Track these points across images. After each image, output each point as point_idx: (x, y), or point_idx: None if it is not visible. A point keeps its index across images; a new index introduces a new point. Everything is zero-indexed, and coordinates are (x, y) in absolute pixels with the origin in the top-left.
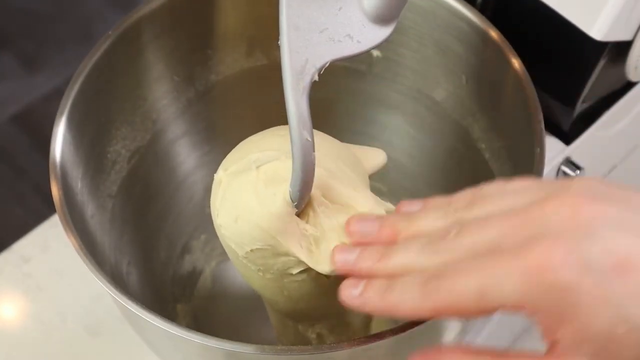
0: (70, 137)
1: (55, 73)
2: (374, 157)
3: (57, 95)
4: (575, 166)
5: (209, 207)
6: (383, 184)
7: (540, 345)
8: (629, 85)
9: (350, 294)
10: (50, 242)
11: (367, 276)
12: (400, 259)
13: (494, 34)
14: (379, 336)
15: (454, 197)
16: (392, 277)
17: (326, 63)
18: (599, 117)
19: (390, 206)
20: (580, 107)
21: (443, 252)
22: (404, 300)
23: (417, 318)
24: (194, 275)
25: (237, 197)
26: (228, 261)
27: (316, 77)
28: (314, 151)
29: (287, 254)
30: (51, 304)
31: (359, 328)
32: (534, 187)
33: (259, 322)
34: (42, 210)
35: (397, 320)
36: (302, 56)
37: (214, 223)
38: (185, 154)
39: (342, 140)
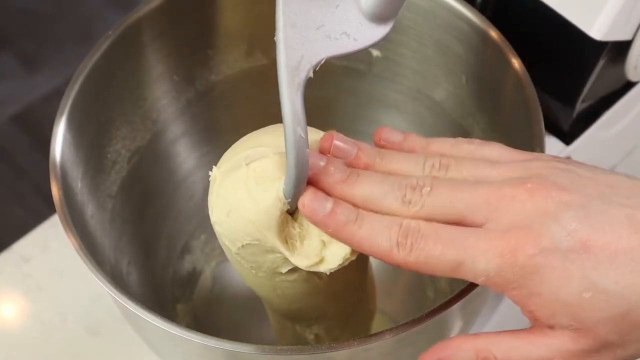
0: (70, 137)
1: (55, 73)
2: None
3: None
4: None
5: None
6: None
7: None
8: (629, 85)
9: (315, 207)
10: (50, 242)
11: (327, 192)
12: (366, 188)
13: (494, 34)
14: (379, 336)
15: (432, 145)
16: (356, 206)
17: (322, 60)
18: (598, 117)
19: None
20: (580, 107)
21: (414, 204)
22: (377, 242)
23: (384, 261)
24: (194, 275)
25: (230, 193)
26: (228, 261)
27: (311, 74)
28: (307, 148)
29: (273, 251)
30: (51, 304)
31: (357, 329)
32: (507, 158)
33: (259, 322)
34: (42, 210)
35: (397, 321)
36: (297, 53)
37: (211, 221)
38: (185, 154)
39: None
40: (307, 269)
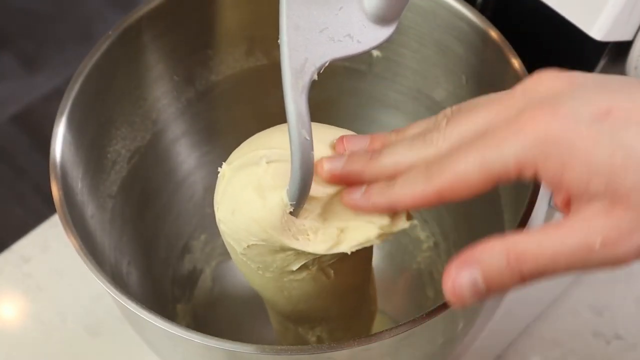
0: (70, 137)
1: (55, 73)
2: None
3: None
4: None
5: (209, 207)
6: None
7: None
8: None
9: (353, 196)
10: (50, 242)
11: (360, 182)
12: (392, 156)
13: (494, 34)
14: (379, 336)
15: (438, 115)
16: (389, 179)
17: (326, 62)
18: None
19: None
20: None
21: (436, 141)
22: (408, 190)
23: (422, 205)
24: (194, 275)
25: (238, 190)
26: (228, 261)
27: (315, 77)
28: (312, 150)
29: (283, 250)
30: (51, 304)
31: (359, 331)
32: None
33: (259, 322)
34: (42, 210)
35: (397, 321)
36: (301, 55)
37: (216, 218)
38: (185, 154)
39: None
40: (327, 252)
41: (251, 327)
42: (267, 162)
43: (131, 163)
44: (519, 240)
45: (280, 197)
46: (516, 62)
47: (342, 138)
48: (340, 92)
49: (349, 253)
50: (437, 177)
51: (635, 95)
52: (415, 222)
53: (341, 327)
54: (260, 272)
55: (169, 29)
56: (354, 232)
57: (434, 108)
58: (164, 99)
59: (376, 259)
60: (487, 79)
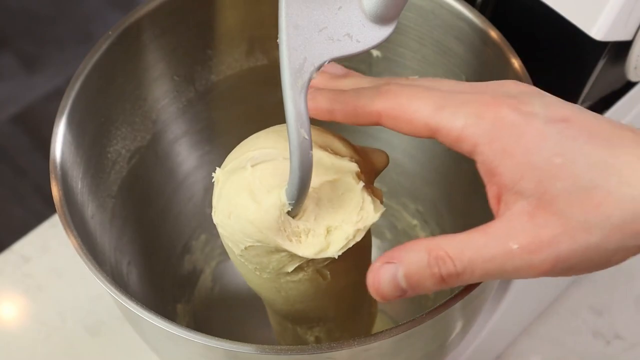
0: (70, 137)
1: (55, 73)
2: (377, 158)
3: (57, 95)
4: None
5: (209, 207)
6: (383, 184)
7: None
8: (629, 85)
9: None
10: (50, 242)
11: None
12: (352, 81)
13: (494, 34)
14: (379, 336)
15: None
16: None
17: (325, 62)
18: None
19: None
20: None
21: (401, 83)
22: (355, 99)
23: (360, 118)
24: (194, 275)
25: (232, 194)
26: (228, 261)
27: (314, 76)
28: (311, 150)
29: (278, 250)
30: (51, 304)
31: (358, 332)
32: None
33: (259, 322)
34: (42, 210)
35: (397, 321)
36: (300, 54)
37: (214, 221)
38: (185, 154)
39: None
40: (315, 257)
41: (251, 327)
42: (252, 165)
43: (131, 163)
44: (442, 242)
45: (276, 197)
46: (516, 62)
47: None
48: None
49: (336, 257)
50: (388, 99)
51: (593, 115)
52: (415, 222)
53: (340, 328)
54: (257, 272)
55: (169, 29)
56: (339, 231)
57: None
58: (164, 99)
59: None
60: (487, 79)
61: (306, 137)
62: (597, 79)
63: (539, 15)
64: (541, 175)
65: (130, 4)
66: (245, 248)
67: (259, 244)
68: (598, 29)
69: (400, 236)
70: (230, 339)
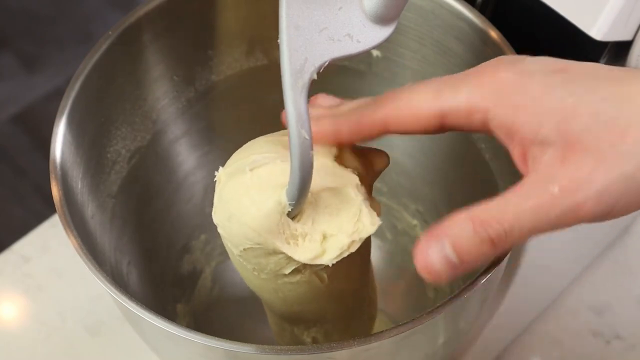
0: (70, 137)
1: (55, 73)
2: (377, 158)
3: (57, 95)
4: None
5: (209, 207)
6: (383, 184)
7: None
8: None
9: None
10: (50, 242)
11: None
12: (349, 106)
13: (494, 34)
14: (379, 336)
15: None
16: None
17: (325, 62)
18: None
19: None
20: None
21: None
22: (355, 114)
23: (366, 132)
24: (194, 275)
25: (231, 197)
26: (228, 261)
27: (315, 76)
28: (312, 150)
29: (276, 252)
30: (51, 304)
31: (357, 334)
32: None
33: (259, 322)
34: (42, 210)
35: (397, 321)
36: (301, 55)
37: (214, 222)
38: (185, 154)
39: None
40: (310, 262)
41: (251, 327)
42: (251, 169)
43: (131, 163)
44: (482, 208)
45: (276, 199)
46: None
47: (316, 95)
48: (339, 92)
49: (330, 265)
50: (387, 104)
51: (590, 63)
52: (415, 222)
53: (337, 329)
54: (256, 273)
55: (169, 29)
56: (335, 239)
57: None
58: (164, 99)
59: (376, 259)
60: None
61: (306, 137)
62: None
63: (539, 15)
64: (558, 118)
65: (130, 4)
66: (245, 249)
67: (257, 246)
68: (598, 29)
69: (400, 236)
70: (230, 339)
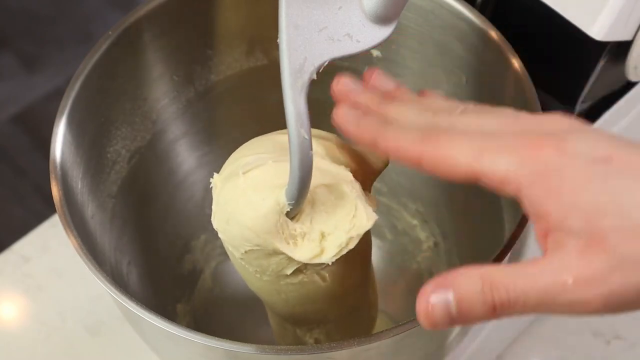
0: (70, 137)
1: (55, 73)
2: (377, 158)
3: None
4: None
5: (209, 207)
6: (383, 184)
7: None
8: (629, 85)
9: (346, 112)
10: (50, 242)
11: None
12: (398, 110)
13: (494, 34)
14: (379, 336)
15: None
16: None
17: (325, 62)
18: (599, 117)
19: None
20: (580, 107)
21: (442, 122)
22: (398, 138)
23: (399, 157)
24: (194, 275)
25: (228, 200)
26: (228, 261)
27: (314, 76)
28: (311, 149)
29: (276, 253)
30: (51, 304)
31: (358, 335)
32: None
33: (259, 322)
34: (42, 210)
35: (397, 321)
36: (301, 54)
37: (214, 227)
38: (185, 154)
39: (342, 140)
40: (310, 262)
41: (251, 327)
42: (244, 173)
43: (131, 163)
44: (495, 270)
45: (274, 199)
46: (516, 62)
47: (373, 70)
48: None
49: (330, 264)
50: (429, 144)
51: (637, 151)
52: (415, 222)
53: (339, 330)
54: (258, 275)
55: (169, 29)
56: (333, 237)
57: None
58: (164, 99)
59: (376, 259)
60: (487, 79)
61: (306, 137)
62: (597, 79)
63: (539, 15)
64: (589, 213)
65: (130, 4)
66: (245, 252)
67: (258, 247)
68: (598, 29)
69: (400, 236)
70: (230, 339)
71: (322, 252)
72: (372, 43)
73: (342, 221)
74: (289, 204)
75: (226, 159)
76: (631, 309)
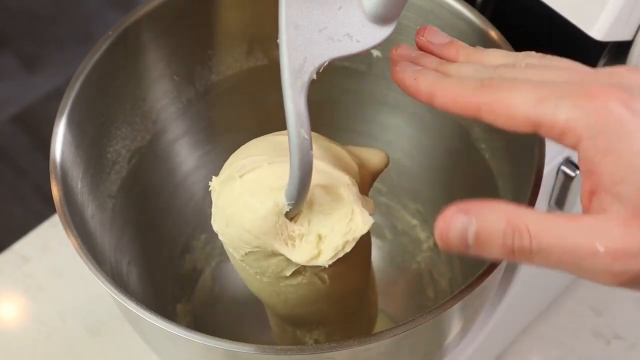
0: (70, 137)
1: (55, 73)
2: (377, 158)
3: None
4: (575, 166)
5: (209, 206)
6: (383, 184)
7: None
8: None
9: (404, 69)
10: (50, 242)
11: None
12: (458, 71)
13: (494, 34)
14: (379, 336)
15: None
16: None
17: (325, 62)
18: None
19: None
20: None
21: (507, 75)
22: (456, 89)
23: (458, 109)
24: (194, 275)
25: (226, 204)
26: (228, 261)
27: (314, 76)
28: (311, 150)
29: (275, 254)
30: (51, 304)
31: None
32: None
33: (259, 322)
34: (42, 210)
35: (397, 321)
36: (300, 55)
37: (214, 229)
38: (185, 154)
39: (342, 140)
40: (306, 264)
41: (251, 327)
42: (240, 176)
43: (131, 163)
44: (526, 213)
45: (272, 201)
46: None
47: (426, 27)
48: (340, 92)
49: (327, 266)
50: (489, 92)
51: None
52: (415, 222)
53: (339, 331)
54: (257, 277)
55: (169, 29)
56: (330, 239)
57: (433, 108)
58: (164, 99)
59: (376, 259)
60: None
61: (306, 137)
62: None
63: (539, 15)
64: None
65: (130, 4)
66: (245, 254)
67: (257, 249)
68: (598, 29)
69: (400, 236)
70: (230, 339)
71: (319, 254)
72: (372, 43)
73: (338, 224)
74: (288, 204)
75: (226, 159)
76: None
